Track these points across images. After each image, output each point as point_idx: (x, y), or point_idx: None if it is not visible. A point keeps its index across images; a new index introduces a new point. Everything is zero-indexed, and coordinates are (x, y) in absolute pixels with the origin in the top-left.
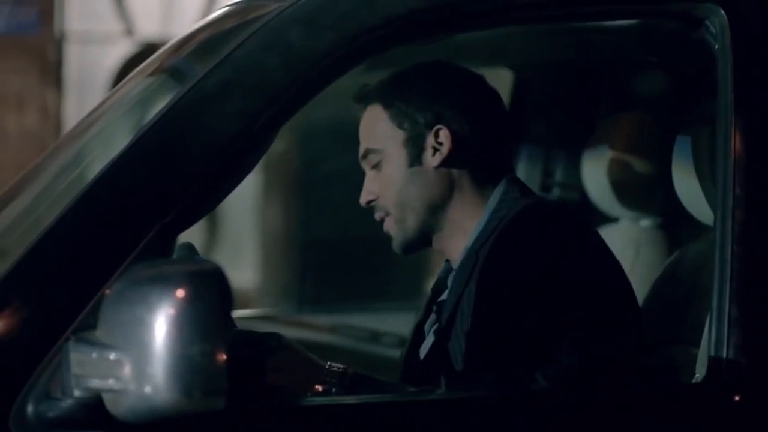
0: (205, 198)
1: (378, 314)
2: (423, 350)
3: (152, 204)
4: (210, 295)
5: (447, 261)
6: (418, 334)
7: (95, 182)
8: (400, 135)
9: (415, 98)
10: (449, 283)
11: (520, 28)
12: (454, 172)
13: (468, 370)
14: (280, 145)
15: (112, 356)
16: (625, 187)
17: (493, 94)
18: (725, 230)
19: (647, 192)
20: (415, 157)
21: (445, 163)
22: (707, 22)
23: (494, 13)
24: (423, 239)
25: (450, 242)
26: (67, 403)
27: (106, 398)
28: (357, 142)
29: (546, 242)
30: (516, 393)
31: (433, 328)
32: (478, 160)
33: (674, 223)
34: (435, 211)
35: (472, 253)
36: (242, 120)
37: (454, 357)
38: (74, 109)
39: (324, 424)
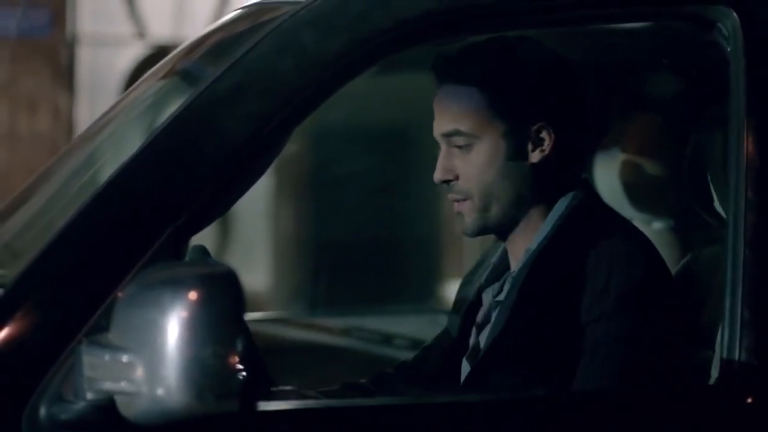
0: (217, 201)
1: (390, 317)
2: (475, 343)
3: (165, 206)
4: (222, 297)
5: (503, 250)
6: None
7: (108, 185)
8: (499, 125)
9: (520, 91)
10: (508, 282)
11: (532, 30)
12: (549, 169)
13: (525, 370)
14: (292, 147)
15: (125, 359)
16: (637, 189)
17: (588, 93)
18: (737, 233)
19: (659, 194)
20: (514, 152)
21: (543, 161)
22: (719, 24)
23: (506, 16)
24: (498, 230)
25: (517, 238)
26: (79, 405)
27: (119, 401)
28: (368, 146)
29: (613, 261)
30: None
31: (489, 326)
32: (570, 159)
33: (686, 226)
34: (519, 207)
35: (538, 259)
36: (255, 122)
37: (507, 356)
38: (86, 112)
39: (337, 426)
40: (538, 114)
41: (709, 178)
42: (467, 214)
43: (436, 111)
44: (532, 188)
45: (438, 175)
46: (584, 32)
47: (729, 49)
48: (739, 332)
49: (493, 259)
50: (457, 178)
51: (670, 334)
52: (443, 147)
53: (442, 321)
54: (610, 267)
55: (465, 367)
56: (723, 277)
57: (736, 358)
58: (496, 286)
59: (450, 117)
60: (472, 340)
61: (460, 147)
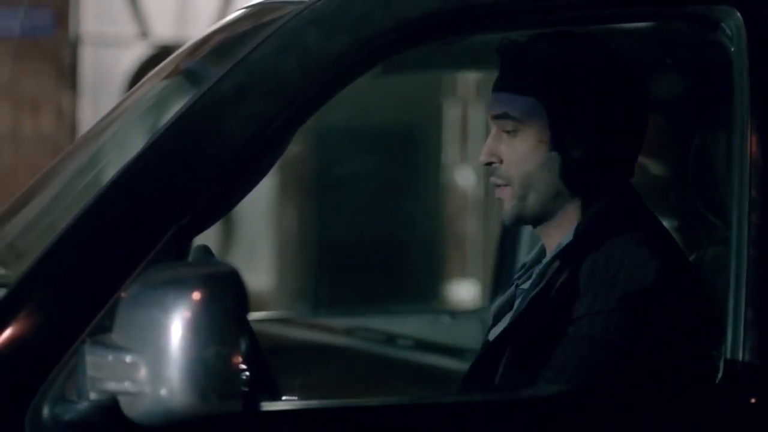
0: (220, 201)
1: (394, 317)
2: (493, 334)
3: (168, 206)
4: (226, 297)
5: (540, 249)
6: (496, 315)
7: (111, 185)
8: (545, 116)
9: (572, 85)
10: (535, 273)
11: (535, 30)
12: (589, 164)
13: (535, 359)
14: (295, 147)
15: (128, 359)
16: (641, 189)
17: (638, 86)
18: (741, 233)
19: (663, 194)
20: (557, 144)
21: (585, 158)
22: (723, 24)
23: (509, 16)
24: (534, 220)
25: (552, 232)
26: (82, 405)
27: (122, 401)
28: (371, 146)
29: (624, 260)
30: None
31: (510, 314)
32: (612, 157)
33: (691, 226)
34: (557, 200)
35: (565, 253)
36: (258, 123)
37: (521, 343)
38: (89, 112)
39: (340, 426)
40: (586, 111)
41: (713, 178)
42: (507, 200)
43: (492, 93)
44: (571, 183)
45: (483, 157)
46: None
47: (732, 49)
48: (743, 332)
49: (530, 258)
50: (501, 162)
51: (677, 336)
52: (493, 129)
53: (445, 321)
54: (620, 265)
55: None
56: (727, 277)
57: (740, 358)
58: (524, 277)
59: (503, 101)
60: (491, 327)
61: (507, 132)
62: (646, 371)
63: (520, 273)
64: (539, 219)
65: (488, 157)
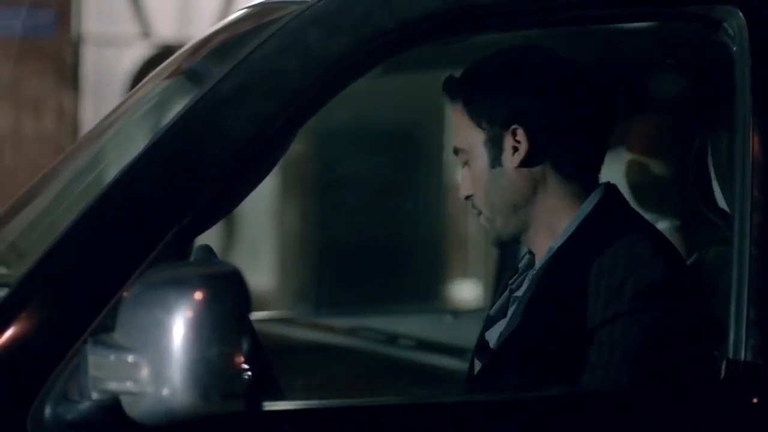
0: (222, 200)
1: (396, 316)
2: (489, 337)
3: (170, 206)
4: (228, 297)
5: (529, 253)
6: (488, 321)
7: (113, 185)
8: (480, 135)
9: (491, 95)
10: (528, 278)
11: (537, 31)
12: (536, 171)
13: (536, 366)
14: (297, 147)
15: (130, 359)
16: (643, 189)
17: (585, 87)
18: (743, 232)
19: (665, 194)
20: (495, 158)
21: (525, 163)
22: (725, 24)
23: (511, 16)
24: (512, 236)
25: (535, 239)
26: (84, 405)
27: (124, 401)
28: (373, 146)
29: (631, 261)
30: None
31: (504, 321)
32: (564, 158)
33: (692, 226)
34: (518, 211)
35: (559, 257)
36: (259, 123)
37: (520, 351)
38: (91, 112)
39: (341, 426)
40: (510, 119)
41: (715, 177)
42: (486, 226)
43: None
44: (524, 193)
45: (460, 194)
46: (588, 32)
47: (735, 49)
48: (745, 332)
49: (521, 264)
50: (472, 194)
51: (684, 336)
52: (460, 167)
53: (447, 321)
54: (627, 267)
55: (477, 362)
56: (729, 276)
57: (742, 357)
58: (517, 282)
59: (452, 135)
60: (485, 334)
61: (465, 163)
62: (667, 368)
63: (514, 278)
64: (514, 235)
65: (463, 192)
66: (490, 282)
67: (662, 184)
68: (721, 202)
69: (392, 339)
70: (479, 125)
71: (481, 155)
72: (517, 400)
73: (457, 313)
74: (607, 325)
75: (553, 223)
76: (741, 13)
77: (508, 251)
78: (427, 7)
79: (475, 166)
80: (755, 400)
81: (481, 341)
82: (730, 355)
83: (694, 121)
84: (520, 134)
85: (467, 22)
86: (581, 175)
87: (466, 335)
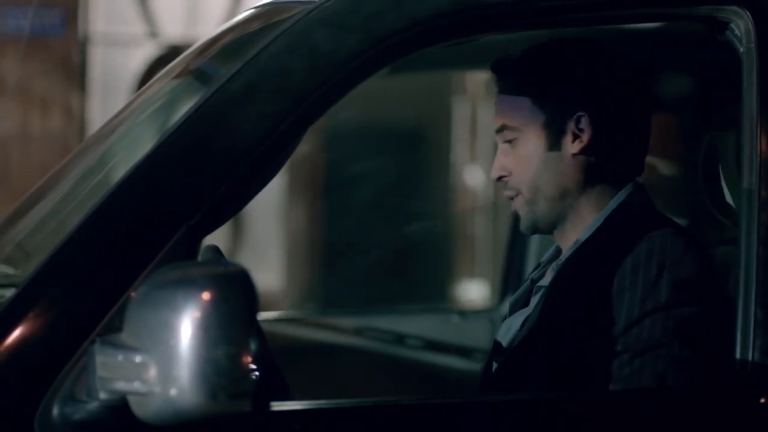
0: (230, 200)
1: (403, 316)
2: (510, 325)
3: (177, 206)
4: (235, 297)
5: (555, 248)
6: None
7: (121, 185)
8: (540, 116)
9: (560, 80)
10: (552, 269)
11: (545, 30)
12: (591, 161)
13: (560, 356)
14: (304, 147)
15: (138, 359)
16: (651, 189)
17: (642, 85)
18: (750, 233)
19: (673, 194)
20: (555, 142)
21: (584, 151)
22: (732, 24)
23: (519, 16)
24: (549, 224)
25: (567, 231)
26: (92, 405)
27: (132, 401)
28: (380, 145)
29: (666, 254)
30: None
31: (526, 311)
32: (616, 154)
33: (700, 226)
34: (566, 199)
35: (586, 249)
36: (268, 123)
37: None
38: (98, 111)
39: (350, 426)
40: (576, 106)
41: (722, 177)
42: (520, 209)
43: (494, 110)
44: (576, 181)
45: (493, 173)
46: (595, 33)
47: (742, 50)
48: (753, 332)
49: (545, 257)
50: (510, 174)
51: (710, 333)
52: (499, 144)
53: (455, 321)
54: (662, 260)
55: (497, 350)
56: (736, 276)
57: (750, 358)
58: (540, 273)
59: (501, 113)
60: (506, 322)
61: (509, 142)
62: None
63: (536, 270)
64: (553, 222)
65: (497, 171)
66: (498, 282)
67: (670, 184)
68: (729, 202)
69: (400, 339)
70: (541, 107)
71: (536, 136)
72: (522, 400)
73: (465, 313)
74: (646, 319)
75: (586, 217)
76: (748, 14)
77: (516, 251)
78: (435, 7)
79: (526, 147)
80: (763, 401)
81: (502, 332)
82: (738, 356)
83: (701, 122)
84: (585, 122)
85: (476, 22)
86: (624, 173)
87: (474, 335)
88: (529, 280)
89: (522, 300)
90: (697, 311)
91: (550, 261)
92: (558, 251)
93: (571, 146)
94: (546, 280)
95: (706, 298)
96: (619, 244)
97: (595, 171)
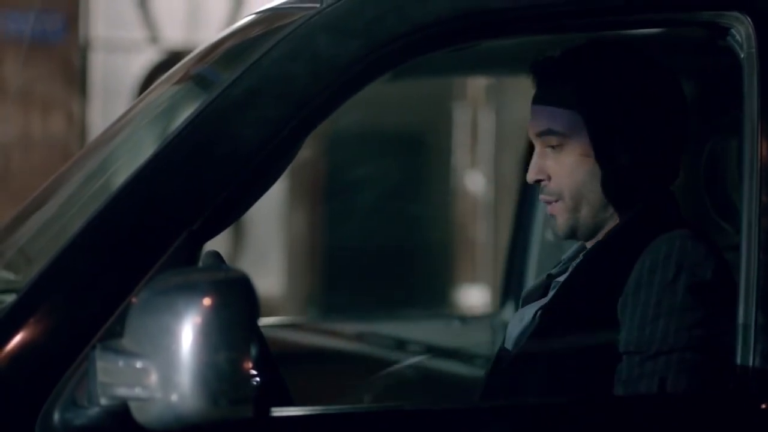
0: (231, 206)
1: (404, 322)
2: (523, 315)
3: (179, 212)
4: (236, 303)
5: (577, 247)
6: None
7: (122, 190)
8: (588, 125)
9: (610, 94)
10: (572, 267)
11: (545, 36)
12: (635, 171)
13: (571, 350)
14: (306, 152)
15: (139, 364)
16: None
17: (679, 91)
18: (751, 238)
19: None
20: (602, 153)
21: (629, 160)
22: (733, 30)
23: (521, 22)
24: (587, 231)
25: (597, 235)
26: (93, 411)
27: (133, 406)
28: (381, 150)
29: (684, 257)
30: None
31: (544, 299)
32: (655, 161)
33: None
34: (607, 209)
35: (606, 246)
36: (269, 128)
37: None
38: (99, 116)
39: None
40: (626, 118)
41: (723, 183)
42: (559, 214)
43: (532, 111)
44: (619, 192)
45: (531, 175)
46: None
47: (742, 56)
48: (754, 337)
49: (566, 255)
50: (549, 178)
51: (720, 337)
52: (537, 147)
53: (456, 327)
54: (680, 261)
55: (509, 338)
56: (738, 281)
57: (751, 363)
58: (559, 269)
59: (544, 117)
60: (519, 312)
61: (552, 147)
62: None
63: (557, 267)
64: (592, 230)
65: (536, 174)
66: (499, 287)
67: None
68: (731, 207)
69: (401, 344)
70: (590, 116)
71: (583, 145)
72: (518, 407)
73: (466, 319)
74: (662, 319)
75: (615, 222)
76: (749, 20)
77: (517, 257)
78: (437, 12)
79: (572, 155)
80: (764, 406)
81: (514, 322)
82: (739, 361)
83: (703, 127)
84: (632, 133)
85: (478, 28)
86: (661, 180)
87: (475, 341)
88: (547, 276)
89: (536, 294)
90: (712, 315)
91: (571, 258)
92: (580, 249)
93: (617, 155)
94: (563, 277)
95: (722, 302)
96: (638, 243)
97: (638, 179)
